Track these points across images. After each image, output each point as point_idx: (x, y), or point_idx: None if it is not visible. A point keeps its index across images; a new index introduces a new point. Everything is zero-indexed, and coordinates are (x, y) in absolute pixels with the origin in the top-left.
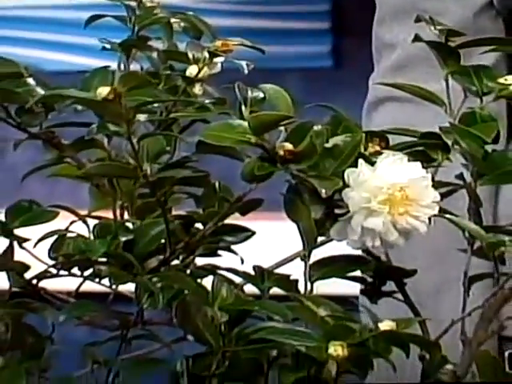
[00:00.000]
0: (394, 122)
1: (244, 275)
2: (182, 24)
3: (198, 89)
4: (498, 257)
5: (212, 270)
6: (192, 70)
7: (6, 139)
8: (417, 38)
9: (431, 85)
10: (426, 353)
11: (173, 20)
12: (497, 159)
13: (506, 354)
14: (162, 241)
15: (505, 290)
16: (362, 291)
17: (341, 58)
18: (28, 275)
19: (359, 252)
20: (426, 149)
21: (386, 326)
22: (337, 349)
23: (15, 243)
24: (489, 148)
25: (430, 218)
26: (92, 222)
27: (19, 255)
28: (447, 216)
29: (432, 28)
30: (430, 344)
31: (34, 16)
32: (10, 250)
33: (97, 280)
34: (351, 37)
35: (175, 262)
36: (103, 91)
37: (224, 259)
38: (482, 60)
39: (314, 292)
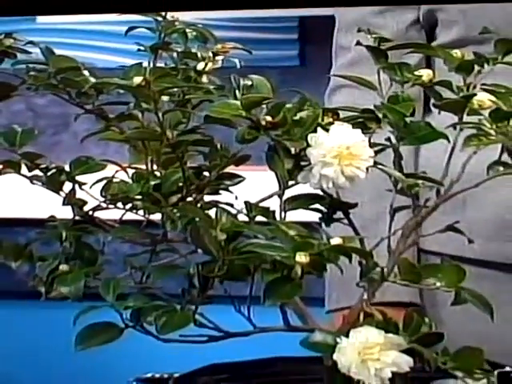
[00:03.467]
0: (346, 102)
1: (237, 208)
2: (194, 33)
3: (205, 78)
4: (414, 194)
5: (215, 204)
6: (200, 65)
7: (69, 114)
8: (358, 43)
9: (373, 76)
10: (363, 260)
11: (187, 30)
12: (413, 127)
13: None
14: (180, 184)
15: (418, 217)
16: (320, 218)
17: (305, 59)
18: (86, 208)
19: (318, 191)
20: (364, 120)
21: (335, 241)
22: (301, 257)
23: (76, 186)
24: (408, 120)
25: (367, 168)
26: (130, 172)
27: (79, 194)
28: (379, 166)
29: (369, 37)
30: (366, 253)
31: (89, 29)
32: (73, 190)
33: (134, 211)
34: (312, 44)
35: (189, 198)
36: (137, 80)
37: (223, 197)
38: (409, 59)
39: (287, 219)
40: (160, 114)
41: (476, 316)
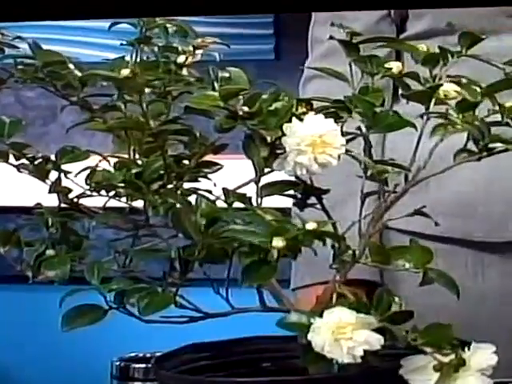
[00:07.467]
0: (318, 90)
1: (216, 194)
2: (174, 28)
3: (185, 71)
4: (383, 180)
5: (195, 190)
6: (181, 59)
7: (56, 107)
8: (331, 37)
9: (345, 67)
10: (335, 243)
11: (168, 25)
12: (381, 116)
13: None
14: (161, 172)
15: (387, 202)
16: (294, 203)
17: (280, 53)
18: (71, 196)
19: (293, 178)
20: (336, 110)
21: (310, 226)
22: (278, 242)
23: (62, 175)
24: (377, 109)
25: (339, 155)
26: (113, 160)
27: (65, 182)
28: (350, 153)
29: (341, 31)
30: (338, 237)
31: (73, 25)
32: (58, 179)
33: (117, 198)
34: (287, 39)
35: (170, 185)
36: (125, 72)
37: (203, 184)
38: (378, 51)
39: (263, 204)
40: (144, 105)
41: (436, 290)
